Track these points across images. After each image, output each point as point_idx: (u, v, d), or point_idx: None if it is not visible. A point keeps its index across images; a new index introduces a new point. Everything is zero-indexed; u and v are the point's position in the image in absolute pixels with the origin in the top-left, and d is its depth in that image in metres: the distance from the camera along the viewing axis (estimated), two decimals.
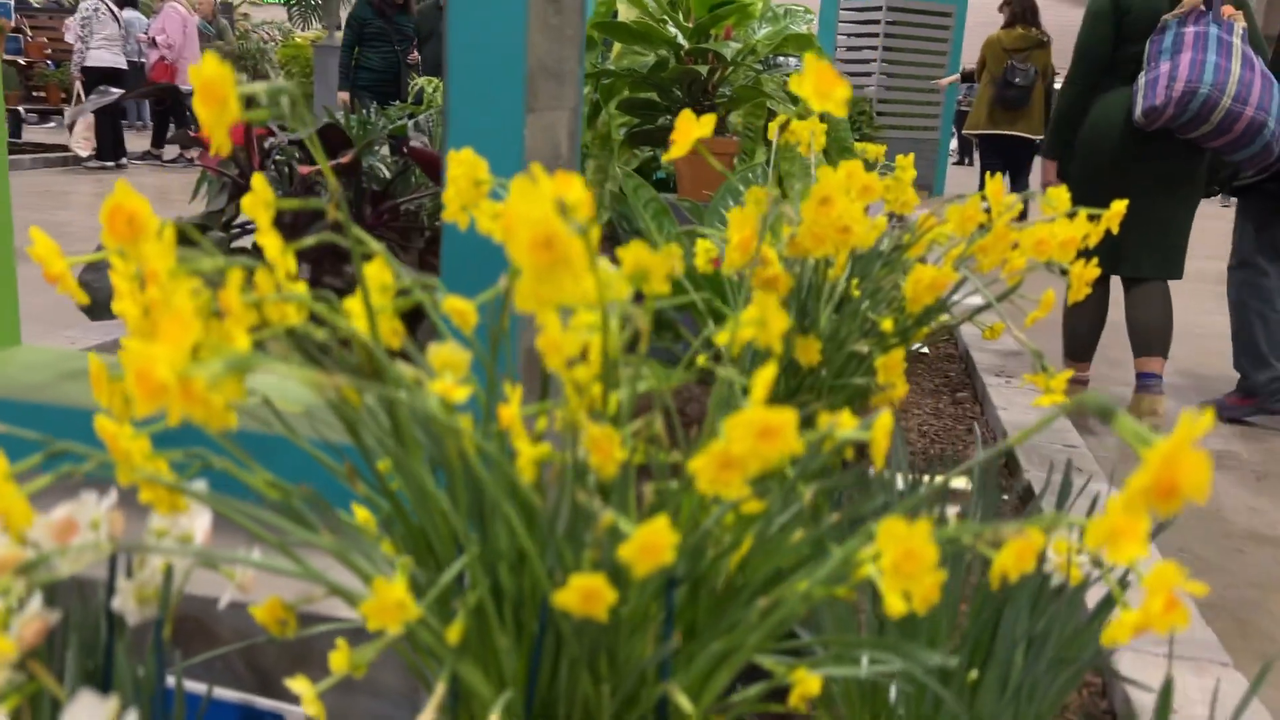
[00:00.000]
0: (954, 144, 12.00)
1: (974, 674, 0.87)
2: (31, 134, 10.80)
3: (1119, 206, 1.05)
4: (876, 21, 9.57)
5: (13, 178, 7.57)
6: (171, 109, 9.32)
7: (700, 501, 0.66)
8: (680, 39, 3.05)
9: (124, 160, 9.16)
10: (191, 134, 2.38)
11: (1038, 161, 5.78)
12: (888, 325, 1.19)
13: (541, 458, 0.61)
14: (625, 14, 3.66)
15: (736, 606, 0.64)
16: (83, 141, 8.76)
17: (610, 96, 3.41)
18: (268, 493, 0.60)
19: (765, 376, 0.56)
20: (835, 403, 1.24)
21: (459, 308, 0.62)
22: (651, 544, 0.50)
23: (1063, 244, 0.97)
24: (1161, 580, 0.46)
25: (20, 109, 10.94)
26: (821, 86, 0.56)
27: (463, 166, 0.71)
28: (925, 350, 3.60)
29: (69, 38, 9.36)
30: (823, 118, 4.36)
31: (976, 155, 7.22)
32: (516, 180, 0.49)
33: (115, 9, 9.42)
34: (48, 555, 0.60)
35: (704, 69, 3.01)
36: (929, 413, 2.84)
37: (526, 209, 0.48)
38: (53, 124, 12.46)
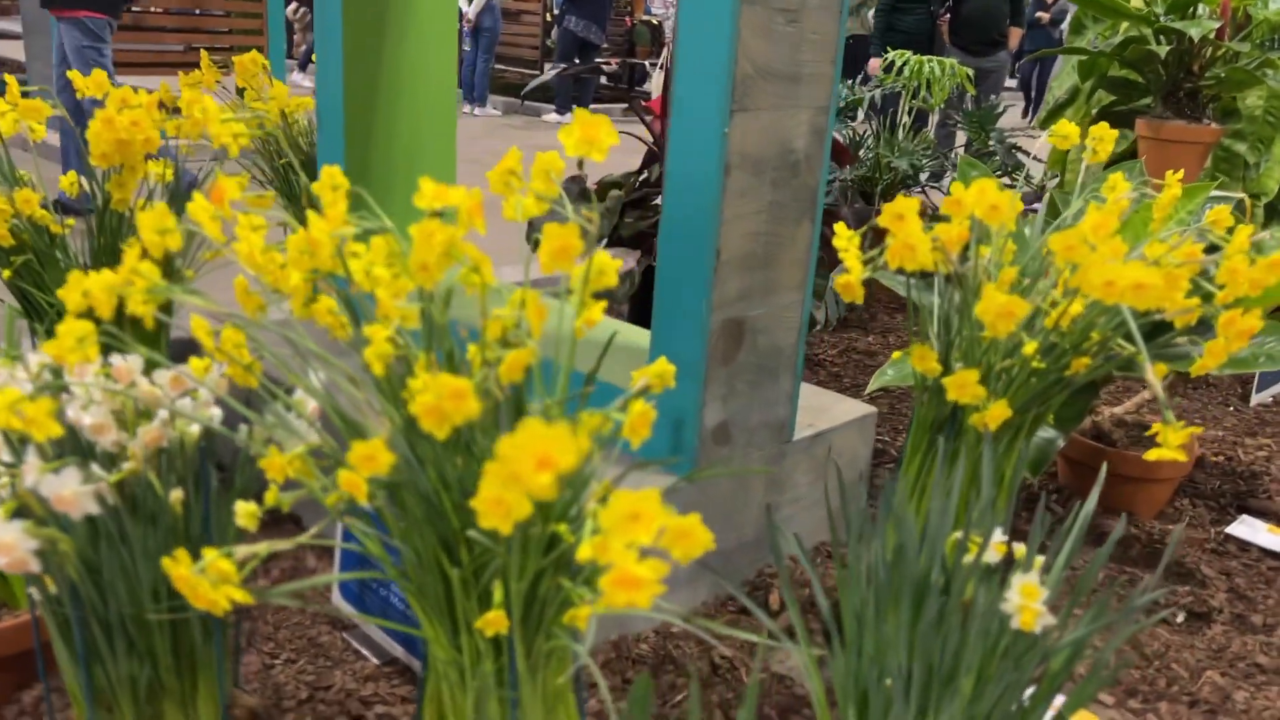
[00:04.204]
0: None
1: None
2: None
3: None
4: None
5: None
6: None
7: None
8: (1159, 13, 2.76)
9: None
10: (643, 103, 2.79)
11: None
12: (1030, 349, 1.16)
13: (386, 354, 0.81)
14: None
15: None
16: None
17: (1090, 74, 3.19)
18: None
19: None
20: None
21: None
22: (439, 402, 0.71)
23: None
24: (617, 554, 0.56)
25: (646, 63, 12.71)
26: (586, 135, 0.68)
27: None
28: None
29: (654, 8, 10.51)
30: None
31: None
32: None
33: None
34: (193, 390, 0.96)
35: (1164, 49, 2.70)
36: None
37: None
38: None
